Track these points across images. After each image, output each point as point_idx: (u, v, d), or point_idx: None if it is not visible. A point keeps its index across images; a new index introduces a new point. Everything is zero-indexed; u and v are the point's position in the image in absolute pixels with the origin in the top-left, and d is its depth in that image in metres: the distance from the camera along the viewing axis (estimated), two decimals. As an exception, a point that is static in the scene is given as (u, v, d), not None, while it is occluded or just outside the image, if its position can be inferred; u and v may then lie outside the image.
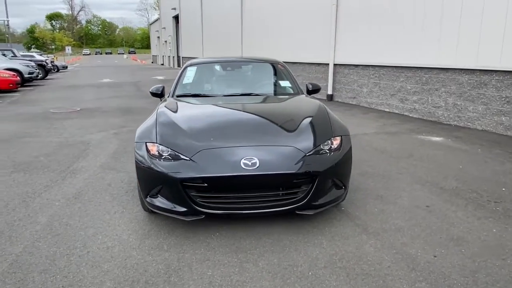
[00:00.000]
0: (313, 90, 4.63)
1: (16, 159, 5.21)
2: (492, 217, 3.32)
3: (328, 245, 2.88)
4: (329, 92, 10.89)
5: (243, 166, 2.80)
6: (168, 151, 2.94)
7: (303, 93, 4.48)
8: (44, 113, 9.14)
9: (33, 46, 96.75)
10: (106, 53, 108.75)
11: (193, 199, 2.85)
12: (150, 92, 4.42)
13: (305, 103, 3.80)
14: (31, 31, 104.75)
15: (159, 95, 4.38)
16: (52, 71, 27.32)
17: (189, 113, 3.52)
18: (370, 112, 8.91)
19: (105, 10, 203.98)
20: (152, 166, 2.91)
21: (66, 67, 32.15)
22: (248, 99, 4.08)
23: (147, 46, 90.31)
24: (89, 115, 8.88)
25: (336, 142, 3.19)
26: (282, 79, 4.60)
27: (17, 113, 9.33)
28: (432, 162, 4.93)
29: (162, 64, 41.48)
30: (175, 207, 2.89)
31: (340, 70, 10.54)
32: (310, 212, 3.00)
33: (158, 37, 42.92)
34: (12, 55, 22.02)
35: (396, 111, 8.69)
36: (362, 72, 9.66)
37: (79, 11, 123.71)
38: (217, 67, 4.79)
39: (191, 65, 4.69)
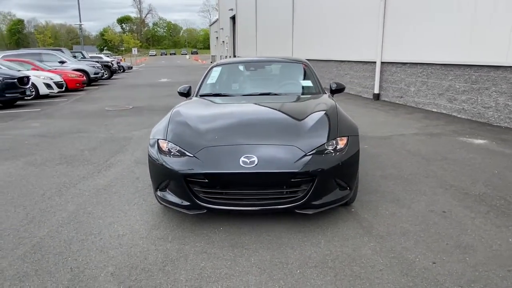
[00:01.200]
0: (336, 90, 4.58)
1: (64, 152, 5.73)
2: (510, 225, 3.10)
3: (325, 245, 2.88)
4: (376, 91, 10.57)
5: (241, 164, 2.89)
6: (176, 148, 3.12)
7: (325, 93, 4.46)
8: (100, 111, 9.88)
9: (105, 48, 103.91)
10: (171, 54, 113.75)
11: (196, 194, 3.00)
12: (178, 92, 4.65)
13: (318, 103, 3.78)
14: (103, 34, 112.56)
15: (185, 94, 4.60)
16: (118, 71, 29.23)
17: (201, 112, 3.67)
18: (415, 112, 8.53)
19: (171, 13, 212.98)
20: (161, 162, 3.10)
21: (131, 67, 34.20)
22: (265, 98, 4.16)
23: (209, 47, 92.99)
24: (139, 113, 9.45)
25: (342, 142, 3.16)
26: (304, 79, 4.61)
27: (76, 110, 10.19)
28: (465, 166, 4.66)
29: (220, 64, 42.53)
30: (179, 201, 3.06)
31: (387, 69, 10.19)
32: (309, 212, 3.02)
33: (217, 37, 44.08)
34: (82, 57, 23.90)
35: (444, 112, 8.24)
36: (410, 71, 9.26)
37: (146, 14, 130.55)
38: (241, 67, 4.90)
39: (217, 65, 4.87)
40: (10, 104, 11.81)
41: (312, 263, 2.65)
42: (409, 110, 8.91)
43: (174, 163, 3.03)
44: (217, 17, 48.98)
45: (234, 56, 33.56)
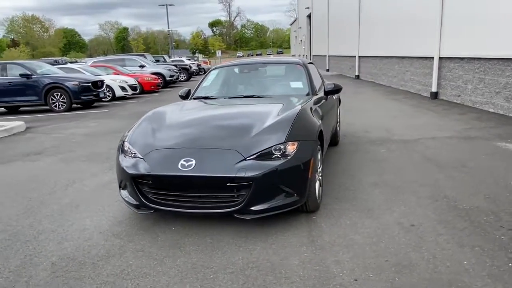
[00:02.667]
0: (330, 91, 4.38)
1: (95, 150, 6.32)
2: (486, 247, 2.71)
3: (259, 251, 2.83)
4: (433, 89, 9.72)
5: (179, 167, 2.96)
6: (132, 149, 3.31)
7: (316, 94, 4.30)
8: (155, 112, 10.60)
9: (197, 51, 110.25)
10: (257, 55, 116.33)
11: (145, 194, 3.15)
12: (179, 95, 4.86)
13: (286, 106, 3.67)
14: (194, 38, 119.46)
15: (185, 97, 4.79)
16: (199, 73, 30.85)
17: (169, 115, 3.79)
18: (469, 113, 7.68)
19: (259, 14, 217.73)
20: (119, 162, 3.32)
21: (211, 69, 35.81)
22: (246, 101, 4.15)
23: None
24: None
25: (290, 147, 3.05)
26: (296, 80, 4.49)
27: (138, 111, 11.06)
28: (479, 175, 4.13)
29: (299, 63, 42.48)
30: (131, 200, 3.24)
31: (445, 65, 9.31)
32: (247, 217, 2.97)
33: (296, 36, 44.04)
34: (163, 60, 25.74)
35: (501, 112, 7.29)
36: (467, 66, 8.36)
37: (235, 17, 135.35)
38: (236, 70, 4.93)
39: (214, 68, 4.98)
40: (88, 105, 13.27)
41: (231, 269, 2.62)
42: (463, 110, 8.05)
43: (127, 164, 3.21)
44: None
45: (310, 54, 33.23)
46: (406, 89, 11.87)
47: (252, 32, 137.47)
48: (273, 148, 3.03)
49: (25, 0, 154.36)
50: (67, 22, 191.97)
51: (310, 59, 32.40)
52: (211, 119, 3.59)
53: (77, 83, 12.18)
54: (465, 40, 8.31)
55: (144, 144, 3.30)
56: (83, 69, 15.63)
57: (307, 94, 4.24)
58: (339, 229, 3.10)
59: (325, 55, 25.06)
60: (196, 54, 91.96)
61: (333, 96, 5.12)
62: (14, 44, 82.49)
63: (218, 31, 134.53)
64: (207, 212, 3.01)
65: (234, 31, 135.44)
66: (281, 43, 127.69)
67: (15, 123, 8.62)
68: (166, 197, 3.10)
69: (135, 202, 3.21)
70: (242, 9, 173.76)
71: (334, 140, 5.58)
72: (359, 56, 17.11)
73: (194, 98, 4.58)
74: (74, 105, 12.47)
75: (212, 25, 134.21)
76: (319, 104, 4.12)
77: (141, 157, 3.18)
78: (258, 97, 4.22)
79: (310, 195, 3.20)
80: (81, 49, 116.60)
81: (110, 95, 14.87)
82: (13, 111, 13.06)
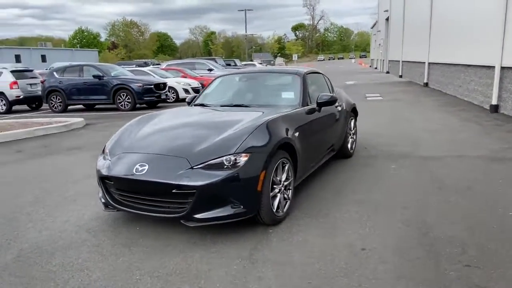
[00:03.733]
0: (322, 103, 4.24)
1: (126, 149, 6.82)
2: (423, 283, 2.48)
3: (195, 259, 2.89)
4: (493, 102, 8.78)
5: (134, 171, 3.15)
6: (107, 152, 3.59)
7: (308, 105, 4.22)
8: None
9: (278, 54, 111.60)
10: (339, 58, 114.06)
11: (111, 194, 3.40)
12: (186, 101, 5.09)
13: (260, 116, 3.66)
14: (277, 41, 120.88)
15: (190, 103, 4.99)
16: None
17: (150, 121, 3.99)
18: (524, 130, 6.83)
19: (344, 17, 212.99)
20: (97, 162, 3.62)
21: (284, 73, 36.16)
22: (229, 109, 4.24)
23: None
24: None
25: (242, 158, 3.07)
26: (288, 91, 4.42)
27: (188, 113, 11.63)
28: (478, 202, 3.72)
29: (376, 68, 40.79)
30: (101, 199, 3.51)
31: (508, 75, 8.36)
32: (190, 224, 3.05)
33: (375, 40, 42.40)
34: (234, 64, 26.58)
35: (560, 131, 6.37)
36: (529, 78, 7.42)
37: (318, 20, 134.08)
38: (236, 78, 4.99)
39: (219, 76, 5.10)
40: (153, 105, 14.24)
41: (158, 273, 2.73)
42: (520, 126, 7.17)
43: (100, 165, 3.50)
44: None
45: (386, 59, 31.78)
46: (469, 100, 10.86)
47: (335, 35, 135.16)
48: (224, 158, 3.07)
49: (128, 5, 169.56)
50: (162, 26, 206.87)
51: (387, 64, 31.02)
52: (180, 127, 3.73)
53: (141, 85, 13.18)
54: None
55: (116, 147, 3.56)
56: (154, 72, 16.79)
57: (297, 105, 4.16)
58: (286, 246, 3.04)
59: (399, 60, 23.80)
60: (277, 58, 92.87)
61: (338, 108, 4.95)
62: (114, 46, 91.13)
63: (300, 35, 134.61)
64: (156, 215, 3.16)
65: (317, 34, 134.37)
66: (365, 47, 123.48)
67: (76, 120, 9.63)
68: (127, 198, 3.32)
69: (103, 201, 3.47)
70: (327, 12, 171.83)
71: (344, 153, 5.38)
72: (428, 63, 15.99)
73: (194, 105, 4.77)
74: (139, 105, 13.50)
75: (295, 28, 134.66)
76: (305, 116, 4.04)
77: (110, 159, 3.44)
78: (246, 106, 4.26)
79: (263, 208, 3.18)
80: (172, 52, 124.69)
81: (175, 96, 15.81)
82: (89, 108, 14.51)
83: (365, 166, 5.10)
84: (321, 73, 5.24)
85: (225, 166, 3.04)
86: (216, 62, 23.33)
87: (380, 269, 2.65)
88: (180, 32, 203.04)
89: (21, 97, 14.24)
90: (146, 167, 3.13)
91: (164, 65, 21.52)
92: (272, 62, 47.90)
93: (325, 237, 3.15)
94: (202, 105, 4.65)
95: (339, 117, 4.96)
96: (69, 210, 3.98)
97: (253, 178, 3.06)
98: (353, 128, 5.66)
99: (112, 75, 13.74)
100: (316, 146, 4.28)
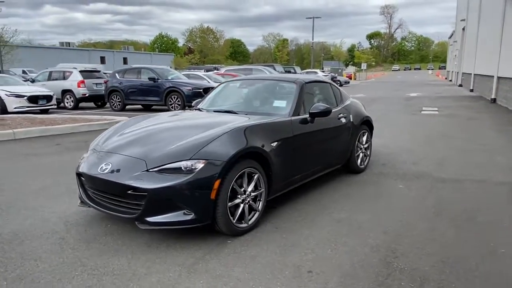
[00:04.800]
0: (315, 113, 4.03)
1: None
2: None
3: (140, 261, 2.90)
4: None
5: (98, 170, 3.25)
6: (88, 149, 3.75)
7: (299, 115, 4.04)
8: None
9: (350, 63, 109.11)
10: (415, 69, 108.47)
11: (86, 191, 3.54)
12: (192, 105, 5.16)
13: (231, 123, 3.57)
14: (350, 50, 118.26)
15: (193, 106, 5.05)
16: (334, 85, 30.75)
17: (134, 122, 4.09)
18: None
19: (424, 26, 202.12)
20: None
21: (348, 82, 35.21)
22: (215, 115, 4.22)
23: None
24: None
25: (197, 165, 3.03)
26: (281, 99, 4.27)
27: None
28: (472, 233, 3.30)
29: (450, 81, 38.08)
30: (78, 194, 3.67)
31: None
32: (142, 227, 3.06)
33: (452, 51, 39.64)
34: (293, 71, 26.47)
35: None
36: None
37: (396, 29, 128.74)
38: (237, 85, 4.92)
39: (223, 82, 5.09)
40: (202, 108, 14.70)
41: (98, 272, 2.78)
42: None
43: (80, 161, 3.66)
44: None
45: (461, 71, 29.52)
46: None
47: (413, 44, 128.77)
48: (183, 164, 3.05)
49: (207, 13, 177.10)
50: (237, 33, 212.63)
51: (460, 77, 28.82)
52: (157, 130, 3.73)
53: (190, 88, 13.67)
54: None
55: (95, 144, 3.72)
56: (208, 77, 17.34)
57: (286, 115, 4.01)
58: (233, 259, 2.93)
59: (471, 73, 21.99)
60: (348, 66, 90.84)
61: (342, 119, 4.68)
62: (189, 51, 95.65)
63: (375, 43, 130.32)
64: (115, 214, 3.22)
65: (393, 43, 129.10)
66: (445, 58, 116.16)
67: (120, 118, 10.21)
68: (96, 196, 3.43)
69: (79, 196, 3.63)
70: (405, 21, 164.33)
71: (352, 168, 5.08)
72: (497, 77, 14.57)
73: (194, 108, 4.82)
74: (188, 107, 14.01)
75: (370, 37, 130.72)
76: (292, 126, 3.88)
77: (85, 157, 3.59)
78: (234, 112, 4.20)
79: (219, 218, 3.10)
80: (244, 58, 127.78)
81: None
82: (146, 108, 15.35)
83: (369, 184, 4.77)
84: (328, 83, 5.00)
85: (183, 172, 3.02)
86: (274, 68, 23.40)
87: (314, 295, 2.45)
88: (254, 39, 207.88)
89: (87, 95, 15.51)
90: (109, 167, 3.22)
91: (223, 70, 22.09)
92: (340, 70, 46.76)
93: (278, 255, 2.98)
94: (198, 109, 4.68)
95: (342, 130, 4.69)
96: (64, 202, 4.21)
97: (207, 186, 3.00)
98: (366, 143, 5.32)
99: (169, 78, 14.42)
100: (306, 158, 4.09)
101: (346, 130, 4.78)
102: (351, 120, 4.90)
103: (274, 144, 3.58)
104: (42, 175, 5.33)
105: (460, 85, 27.77)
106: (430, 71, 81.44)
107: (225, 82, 5.11)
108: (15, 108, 12.51)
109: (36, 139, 8.21)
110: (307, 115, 4.11)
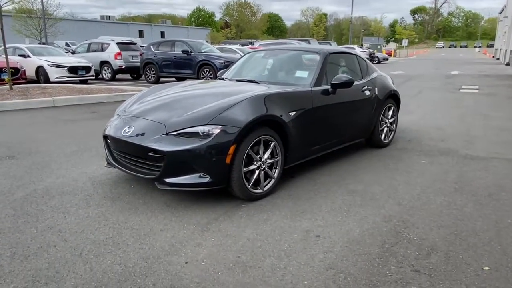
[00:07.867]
0: (337, 84, 4.00)
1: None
2: (351, 273, 2.32)
3: (155, 219, 3.07)
4: None
5: (122, 132, 3.42)
6: (115, 114, 3.94)
7: (320, 86, 4.02)
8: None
9: (391, 39, 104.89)
10: (461, 47, 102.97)
11: (112, 153, 3.74)
12: (217, 75, 5.24)
13: (250, 91, 3.61)
14: (392, 25, 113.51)
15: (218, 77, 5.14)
16: (372, 61, 29.89)
17: (162, 89, 4.21)
18: None
19: (473, 1, 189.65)
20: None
21: (387, 59, 34.03)
22: (238, 84, 4.27)
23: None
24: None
25: (214, 130, 3.12)
26: (303, 69, 4.24)
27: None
28: (491, 209, 3.24)
29: (498, 59, 35.94)
30: (106, 156, 3.88)
31: None
32: (161, 187, 3.21)
33: (501, 28, 37.21)
34: (329, 45, 25.84)
35: None
36: None
37: (442, 3, 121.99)
38: (261, 55, 4.91)
39: (248, 53, 5.10)
40: (234, 82, 14.77)
41: (113, 223, 2.98)
42: None
43: (107, 124, 3.85)
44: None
45: (509, 49, 27.75)
46: None
47: (460, 20, 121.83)
48: (200, 128, 3.16)
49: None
50: (275, 7, 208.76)
51: (508, 55, 27.11)
52: (177, 97, 3.82)
53: (222, 61, 13.71)
54: None
55: (119, 111, 3.89)
56: (241, 51, 17.27)
57: (308, 85, 4.00)
58: (245, 221, 3.04)
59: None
60: (390, 42, 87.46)
61: (366, 92, 4.61)
62: (226, 25, 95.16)
63: (419, 19, 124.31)
64: (136, 175, 3.40)
65: (439, 19, 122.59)
66: (495, 35, 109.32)
67: (153, 90, 10.50)
68: (121, 157, 3.62)
69: (105, 157, 3.84)
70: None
71: (375, 142, 5.03)
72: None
73: (219, 78, 4.89)
74: (219, 81, 14.13)
75: (414, 12, 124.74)
76: (313, 96, 3.87)
77: (111, 120, 3.77)
78: (256, 82, 4.23)
79: (234, 182, 3.21)
80: (281, 33, 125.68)
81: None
82: (180, 80, 15.62)
83: (391, 158, 4.72)
84: (354, 55, 4.91)
85: (200, 136, 3.13)
86: (309, 43, 22.94)
87: (319, 256, 2.52)
88: (292, 13, 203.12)
89: (124, 67, 15.92)
90: (132, 130, 3.38)
91: (257, 44, 21.94)
92: (379, 47, 45.11)
93: (289, 219, 3.07)
94: (222, 79, 4.75)
95: (366, 103, 4.63)
96: (94, 164, 4.47)
97: (222, 151, 3.10)
98: (392, 117, 5.22)
99: (202, 51, 14.53)
100: (326, 130, 4.09)
101: (370, 103, 4.72)
102: (376, 93, 4.81)
103: (293, 113, 3.61)
104: (77, 139, 5.63)
105: (508, 64, 26.20)
106: (477, 49, 76.98)
107: (250, 52, 5.13)
108: (56, 77, 13.09)
109: (74, 106, 8.62)
110: (328, 86, 4.08)
